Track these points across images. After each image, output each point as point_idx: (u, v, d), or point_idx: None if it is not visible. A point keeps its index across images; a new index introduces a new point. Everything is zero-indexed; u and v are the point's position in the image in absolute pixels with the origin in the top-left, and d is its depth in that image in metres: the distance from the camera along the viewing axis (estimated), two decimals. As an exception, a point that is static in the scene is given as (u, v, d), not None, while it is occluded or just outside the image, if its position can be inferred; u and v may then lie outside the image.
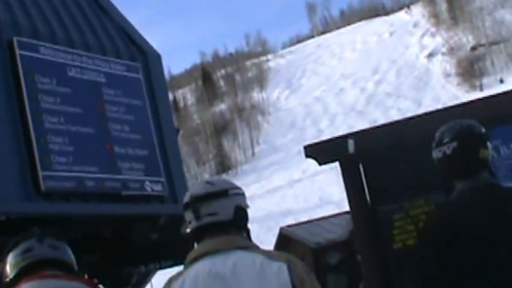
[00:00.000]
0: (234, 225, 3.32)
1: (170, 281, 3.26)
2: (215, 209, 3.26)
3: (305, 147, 12.81)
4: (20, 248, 3.16)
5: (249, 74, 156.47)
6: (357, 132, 12.93)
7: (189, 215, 3.29)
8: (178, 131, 12.26)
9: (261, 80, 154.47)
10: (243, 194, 3.43)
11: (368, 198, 12.15)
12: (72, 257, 3.30)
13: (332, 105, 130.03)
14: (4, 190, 8.70)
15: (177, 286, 3.19)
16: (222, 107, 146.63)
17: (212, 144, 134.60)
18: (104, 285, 15.29)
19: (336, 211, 28.81)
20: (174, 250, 10.97)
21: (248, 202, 3.49)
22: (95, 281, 13.28)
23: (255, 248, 3.30)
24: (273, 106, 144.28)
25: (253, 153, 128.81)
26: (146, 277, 14.35)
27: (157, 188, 10.68)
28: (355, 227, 13.23)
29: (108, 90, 10.59)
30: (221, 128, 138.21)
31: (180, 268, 3.35)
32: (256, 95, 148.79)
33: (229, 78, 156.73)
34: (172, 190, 10.95)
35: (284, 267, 3.18)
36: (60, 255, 3.21)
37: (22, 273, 3.11)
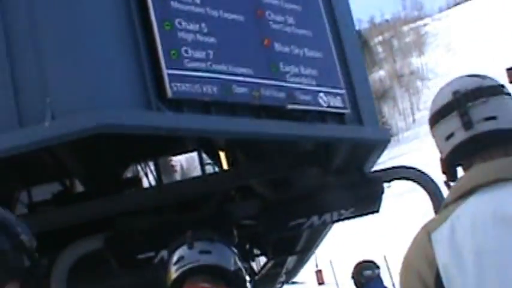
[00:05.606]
0: None
1: (427, 230, 2.26)
2: (494, 111, 2.34)
3: (509, 70, 9.48)
4: (174, 256, 2.95)
5: (407, 39, 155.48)
6: None
7: (451, 123, 2.38)
8: (360, 33, 9.03)
9: (419, 44, 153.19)
10: None
11: None
12: (232, 258, 2.98)
13: (495, 68, 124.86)
14: (113, 95, 5.84)
15: (443, 238, 2.21)
16: (381, 73, 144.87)
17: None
18: (264, 252, 12.90)
19: None
20: (357, 195, 8.32)
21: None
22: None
23: None
24: (432, 71, 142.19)
25: (413, 120, 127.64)
26: (319, 234, 11.58)
27: (336, 102, 7.51)
28: None
29: (263, -29, 7.58)
30: (380, 95, 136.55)
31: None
32: (414, 60, 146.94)
33: (386, 44, 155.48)
34: (356, 107, 7.79)
35: None
36: (212, 261, 2.91)
37: (177, 285, 2.89)
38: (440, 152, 2.52)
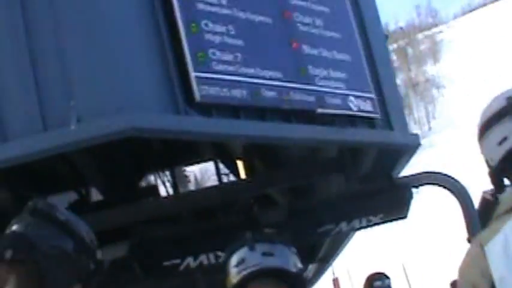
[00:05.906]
0: None
1: (480, 243, 2.27)
2: None
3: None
4: (234, 258, 2.84)
5: (422, 47, 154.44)
6: None
7: (505, 127, 2.40)
8: (387, 37, 8.90)
9: (434, 52, 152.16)
10: None
11: None
12: (293, 259, 2.87)
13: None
14: (139, 99, 5.67)
15: (497, 249, 2.22)
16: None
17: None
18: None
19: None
20: (385, 200, 8.20)
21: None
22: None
23: None
24: (448, 79, 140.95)
25: (429, 128, 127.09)
26: (340, 242, 11.41)
27: (366, 106, 7.33)
28: None
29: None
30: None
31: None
32: (430, 68, 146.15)
33: (401, 52, 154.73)
34: (385, 112, 7.62)
35: None
36: (276, 263, 2.82)
37: None
38: (491, 160, 2.50)
